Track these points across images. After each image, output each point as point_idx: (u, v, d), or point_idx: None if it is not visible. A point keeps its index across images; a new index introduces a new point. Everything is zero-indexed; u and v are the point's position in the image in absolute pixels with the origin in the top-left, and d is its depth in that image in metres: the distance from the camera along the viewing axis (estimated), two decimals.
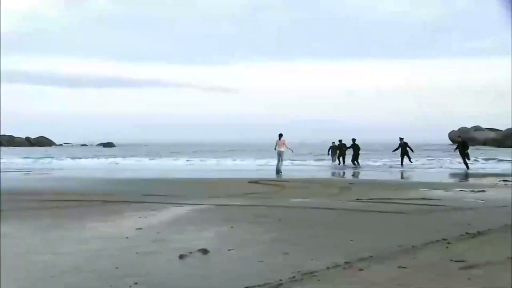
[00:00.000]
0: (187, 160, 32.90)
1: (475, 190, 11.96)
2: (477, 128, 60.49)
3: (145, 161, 32.75)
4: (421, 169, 23.05)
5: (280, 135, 21.45)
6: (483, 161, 28.17)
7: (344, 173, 21.54)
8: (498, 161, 29.44)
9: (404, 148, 24.29)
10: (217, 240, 5.72)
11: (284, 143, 21.22)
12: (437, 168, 23.88)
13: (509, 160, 27.16)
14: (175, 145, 67.03)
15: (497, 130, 59.63)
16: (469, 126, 61.79)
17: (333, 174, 21.32)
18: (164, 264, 4.59)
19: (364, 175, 19.91)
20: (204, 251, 4.97)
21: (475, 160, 27.17)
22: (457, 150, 22.56)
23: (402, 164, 24.05)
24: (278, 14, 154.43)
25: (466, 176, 18.68)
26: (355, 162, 25.05)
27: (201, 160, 32.94)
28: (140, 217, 7.47)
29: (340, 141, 26.05)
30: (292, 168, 23.23)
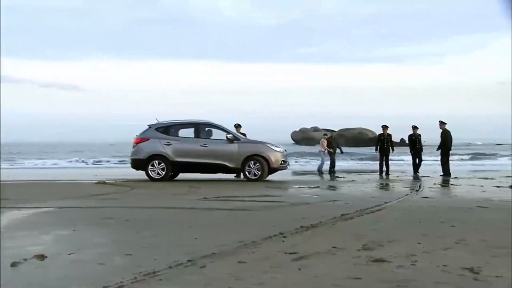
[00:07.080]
0: (23, 160, 30.52)
1: (311, 186, 13.05)
2: (315, 129, 65.24)
3: None
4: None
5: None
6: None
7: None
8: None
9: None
10: (56, 245, 5.46)
11: None
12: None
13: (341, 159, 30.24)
14: (15, 145, 61.33)
15: (332, 130, 65.26)
16: (309, 127, 66.48)
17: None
18: None
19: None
20: (41, 257, 4.71)
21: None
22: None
23: None
24: (121, 12, 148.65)
25: (304, 173, 20.09)
26: None
27: (41, 160, 30.82)
28: None
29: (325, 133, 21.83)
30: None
